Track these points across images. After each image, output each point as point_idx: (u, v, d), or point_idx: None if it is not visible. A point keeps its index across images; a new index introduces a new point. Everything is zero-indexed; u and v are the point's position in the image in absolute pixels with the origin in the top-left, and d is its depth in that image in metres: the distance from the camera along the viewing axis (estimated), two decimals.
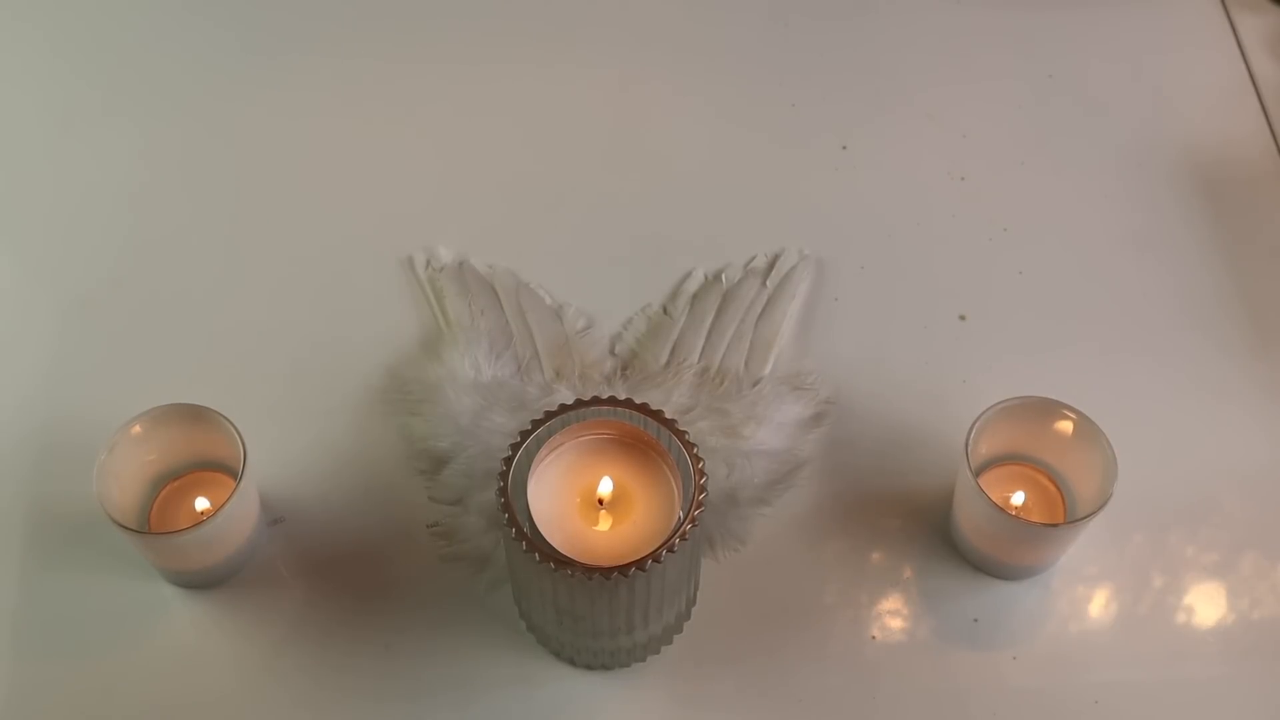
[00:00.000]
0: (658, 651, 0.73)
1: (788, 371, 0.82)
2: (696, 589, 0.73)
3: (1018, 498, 0.75)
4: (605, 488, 0.67)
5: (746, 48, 0.98)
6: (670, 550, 0.64)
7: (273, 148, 0.92)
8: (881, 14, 1.00)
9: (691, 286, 0.86)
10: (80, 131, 0.93)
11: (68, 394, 0.81)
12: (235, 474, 0.71)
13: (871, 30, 0.99)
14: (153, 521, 0.75)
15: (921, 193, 0.91)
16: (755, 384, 0.81)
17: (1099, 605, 0.75)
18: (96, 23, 0.98)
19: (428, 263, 0.86)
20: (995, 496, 0.71)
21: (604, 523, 0.67)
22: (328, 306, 0.85)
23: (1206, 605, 0.76)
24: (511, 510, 0.64)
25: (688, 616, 0.73)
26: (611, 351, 0.83)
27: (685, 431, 0.67)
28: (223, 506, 0.70)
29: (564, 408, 0.68)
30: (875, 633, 0.74)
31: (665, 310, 0.85)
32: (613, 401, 0.68)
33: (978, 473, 0.72)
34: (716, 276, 0.86)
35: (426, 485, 0.78)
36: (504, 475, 0.65)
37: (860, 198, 0.90)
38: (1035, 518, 0.75)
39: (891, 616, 0.75)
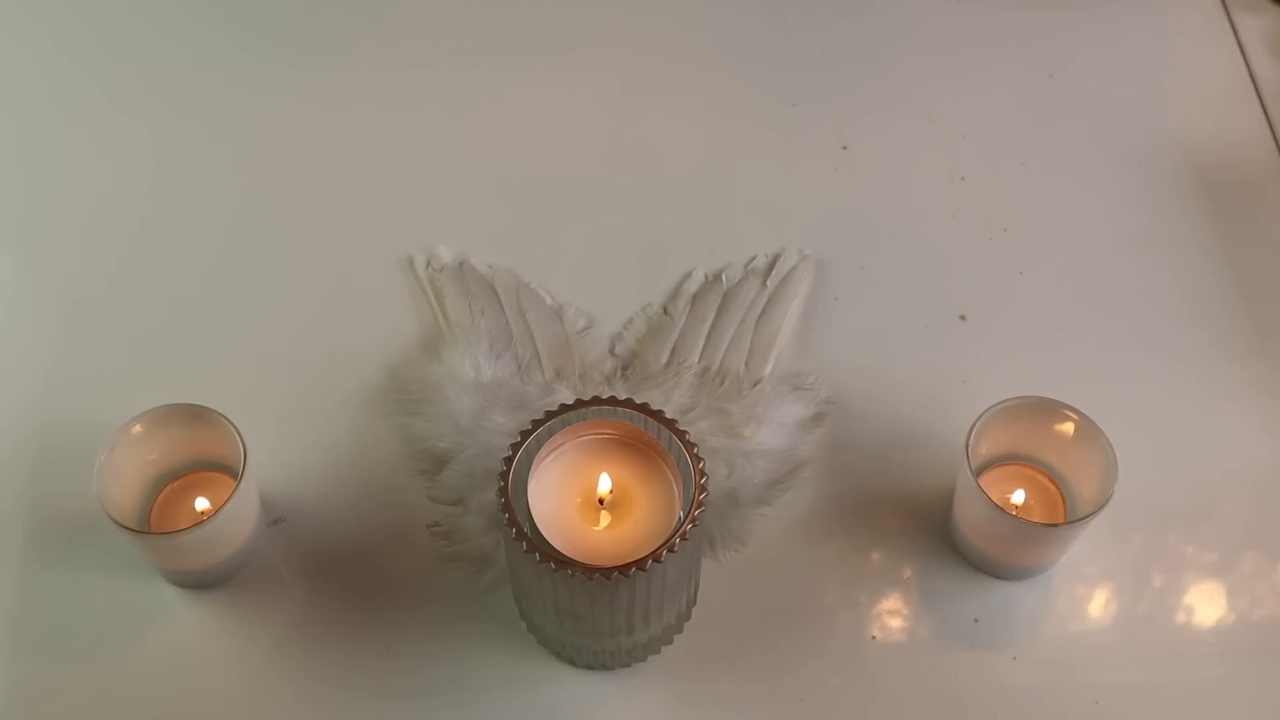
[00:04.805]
0: (658, 651, 0.73)
1: (788, 371, 0.82)
2: (696, 589, 0.73)
3: (1018, 497, 0.75)
4: (604, 485, 0.67)
5: (746, 48, 0.98)
6: (670, 550, 0.64)
7: (274, 149, 0.92)
8: (881, 13, 1.00)
9: (691, 286, 0.86)
10: (82, 132, 0.93)
11: (68, 394, 0.81)
12: (235, 474, 0.71)
13: (871, 30, 0.99)
14: (153, 521, 0.75)
15: (921, 193, 0.91)
16: (755, 384, 0.81)
17: (1099, 605, 0.75)
18: (100, 23, 0.98)
19: (428, 263, 0.86)
20: (995, 496, 0.71)
21: (604, 523, 0.67)
22: (328, 306, 0.85)
23: (1206, 605, 0.76)
24: (512, 510, 0.64)
25: (688, 616, 0.73)
26: (611, 351, 0.83)
27: (685, 431, 0.67)
28: (223, 506, 0.70)
29: (564, 408, 0.68)
30: (875, 633, 0.74)
31: (665, 310, 0.85)
32: (613, 401, 0.68)
33: (978, 473, 0.72)
34: (716, 276, 0.86)
35: (426, 485, 0.78)
36: (504, 475, 0.65)
37: (860, 197, 0.90)
38: (1035, 518, 0.75)
39: (891, 616, 0.75)
